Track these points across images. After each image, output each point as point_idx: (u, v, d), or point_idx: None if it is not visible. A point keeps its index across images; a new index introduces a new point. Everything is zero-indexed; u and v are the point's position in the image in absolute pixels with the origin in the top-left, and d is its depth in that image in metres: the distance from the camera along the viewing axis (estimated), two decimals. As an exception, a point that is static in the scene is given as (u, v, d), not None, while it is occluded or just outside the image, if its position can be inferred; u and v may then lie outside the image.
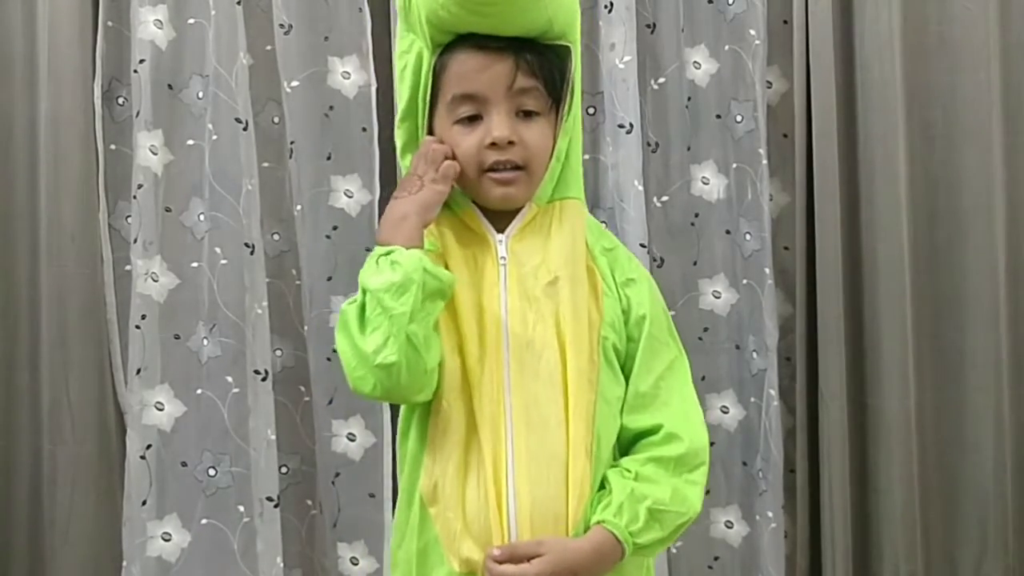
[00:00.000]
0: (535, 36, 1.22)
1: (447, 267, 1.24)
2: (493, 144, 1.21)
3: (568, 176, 1.28)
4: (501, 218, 1.26)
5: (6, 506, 1.98)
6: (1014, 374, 2.08)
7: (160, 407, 1.91)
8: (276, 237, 2.01)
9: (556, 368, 1.21)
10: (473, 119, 1.22)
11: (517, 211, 1.26)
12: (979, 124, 2.07)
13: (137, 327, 1.90)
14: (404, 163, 1.29)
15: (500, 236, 1.25)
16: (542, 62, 1.22)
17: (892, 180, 2.05)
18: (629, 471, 1.22)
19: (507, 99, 1.21)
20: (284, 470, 1.99)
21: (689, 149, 2.06)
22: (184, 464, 1.91)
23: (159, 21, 1.92)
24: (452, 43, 1.23)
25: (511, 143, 1.21)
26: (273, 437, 1.91)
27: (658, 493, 1.20)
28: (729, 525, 2.06)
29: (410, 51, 1.25)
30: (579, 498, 1.19)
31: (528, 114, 1.23)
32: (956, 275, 2.09)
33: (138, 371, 1.90)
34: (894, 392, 2.05)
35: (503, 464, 1.18)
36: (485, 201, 1.25)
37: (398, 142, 1.31)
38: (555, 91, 1.24)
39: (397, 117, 1.30)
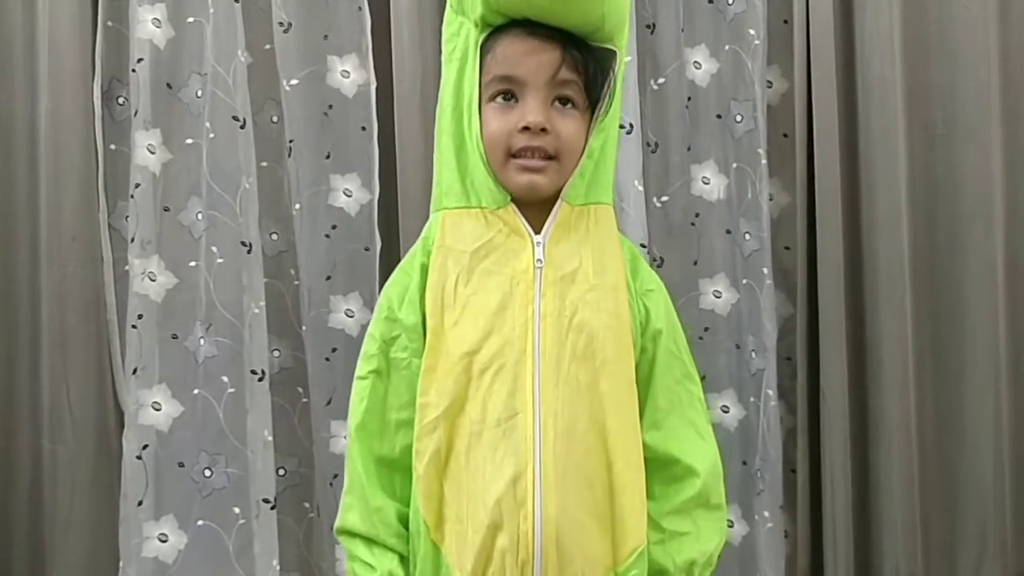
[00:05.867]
0: (585, 34, 1.17)
1: (440, 267, 1.16)
2: (526, 128, 1.14)
3: (602, 178, 1.20)
4: (533, 215, 1.18)
5: (6, 506, 1.88)
6: (1013, 374, 1.98)
7: (157, 407, 1.80)
8: (274, 237, 1.91)
9: (589, 377, 1.14)
10: (508, 99, 1.16)
11: (548, 208, 1.18)
12: (979, 123, 1.97)
13: (134, 327, 1.79)
14: (440, 143, 1.21)
15: (538, 238, 1.17)
16: (587, 60, 1.17)
17: (892, 179, 1.95)
18: (662, 529, 1.19)
19: (546, 88, 1.15)
20: (282, 472, 1.89)
21: (689, 149, 1.96)
22: (181, 465, 1.81)
23: (157, 20, 1.82)
24: (500, 27, 1.18)
25: (543, 130, 1.15)
26: (270, 438, 1.81)
27: (687, 552, 1.19)
28: (729, 524, 1.94)
29: (459, 34, 1.20)
30: (628, 509, 1.14)
31: (564, 103, 1.17)
32: (956, 274, 1.98)
33: (135, 371, 1.80)
34: (894, 392, 1.95)
35: (530, 474, 1.10)
36: (509, 189, 1.17)
37: (438, 126, 1.22)
38: (594, 91, 1.18)
39: (440, 100, 1.21)
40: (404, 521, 1.17)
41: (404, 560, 1.16)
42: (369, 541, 1.16)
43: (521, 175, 1.15)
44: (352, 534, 1.17)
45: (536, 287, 1.15)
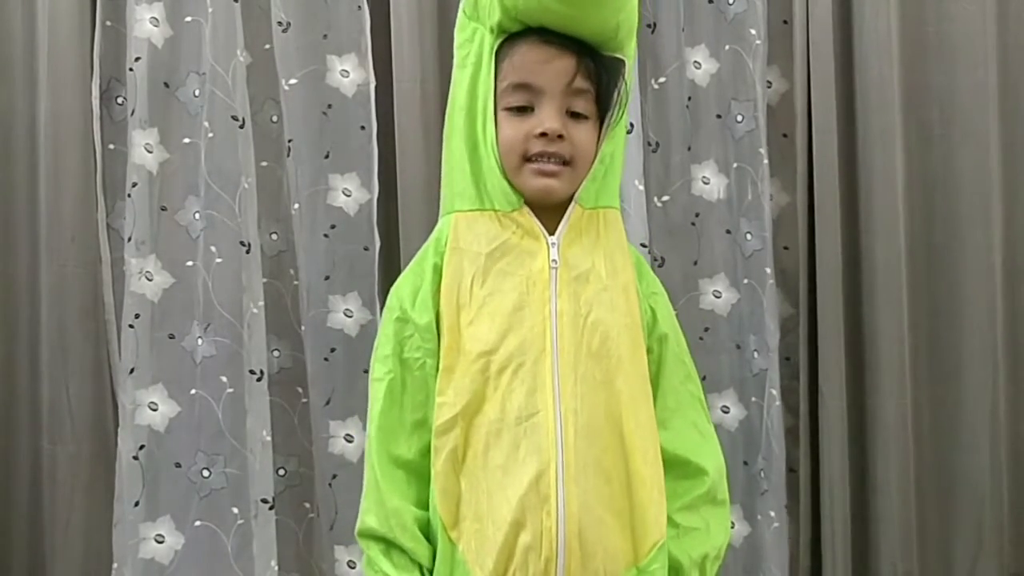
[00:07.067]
0: (598, 43, 1.18)
1: (455, 269, 1.16)
2: (543, 135, 1.15)
3: (611, 183, 1.22)
4: (545, 217, 1.18)
5: (6, 506, 1.84)
6: (1010, 374, 1.95)
7: (154, 407, 1.76)
8: (274, 236, 1.87)
9: (604, 375, 1.14)
10: (522, 110, 1.17)
11: (559, 211, 1.19)
12: (977, 124, 1.94)
13: (130, 326, 1.75)
14: (451, 146, 1.20)
15: (552, 239, 1.17)
16: (600, 69, 1.18)
17: (890, 179, 1.92)
18: (676, 524, 1.20)
19: (562, 96, 1.16)
20: (282, 472, 1.84)
21: (690, 149, 1.92)
22: (178, 465, 1.76)
23: (155, 19, 1.77)
24: (515, 35, 1.18)
25: (560, 137, 1.15)
26: (268, 438, 1.77)
27: (700, 547, 1.19)
28: (731, 525, 1.89)
29: (473, 40, 1.20)
30: (647, 503, 1.13)
31: (576, 116, 1.18)
32: (953, 274, 1.95)
33: (131, 371, 1.75)
34: (891, 392, 1.91)
35: (553, 471, 1.09)
36: (523, 192, 1.17)
37: (448, 129, 1.21)
38: (605, 100, 1.19)
39: (450, 103, 1.21)
40: (422, 526, 1.14)
41: (423, 570, 1.14)
42: (388, 546, 1.13)
43: (536, 179, 1.15)
44: (371, 537, 1.14)
45: (552, 287, 1.15)
